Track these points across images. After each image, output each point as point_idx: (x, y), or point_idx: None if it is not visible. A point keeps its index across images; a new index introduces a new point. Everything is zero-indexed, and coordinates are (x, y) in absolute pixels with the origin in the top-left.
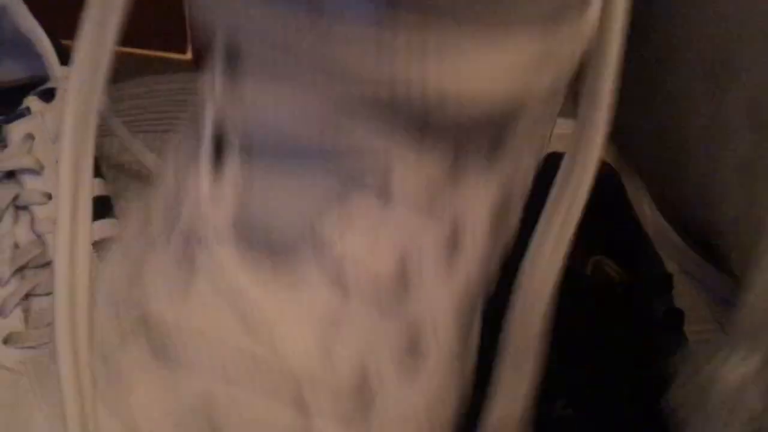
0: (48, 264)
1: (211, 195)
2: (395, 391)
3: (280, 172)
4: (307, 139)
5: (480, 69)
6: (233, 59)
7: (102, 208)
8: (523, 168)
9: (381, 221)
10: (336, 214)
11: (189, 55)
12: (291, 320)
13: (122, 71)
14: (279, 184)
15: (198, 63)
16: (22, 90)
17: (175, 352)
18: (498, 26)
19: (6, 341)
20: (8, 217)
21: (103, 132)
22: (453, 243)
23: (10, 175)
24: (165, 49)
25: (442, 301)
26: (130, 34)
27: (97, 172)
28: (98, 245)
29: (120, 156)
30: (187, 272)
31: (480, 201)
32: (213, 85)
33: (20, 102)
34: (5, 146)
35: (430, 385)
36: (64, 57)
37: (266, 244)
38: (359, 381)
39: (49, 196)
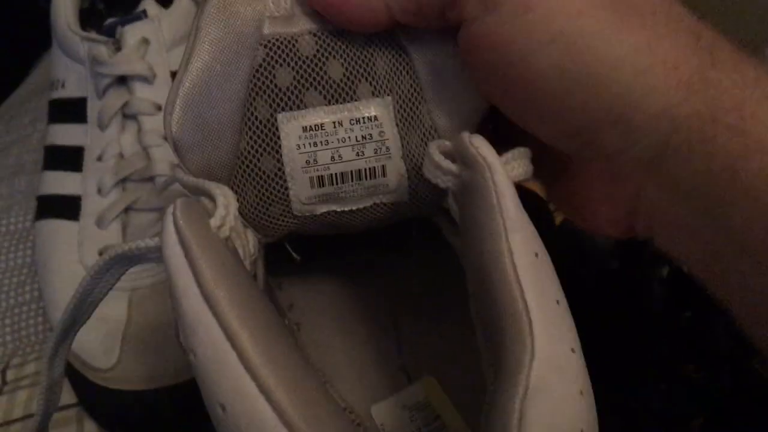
0: (151, 179)
1: None
2: None
3: None
4: None
5: None
6: None
7: None
8: None
9: None
10: None
11: None
12: None
13: None
14: None
15: None
16: None
17: None
18: None
19: (101, 253)
20: (115, 125)
21: None
22: None
23: (122, 80)
24: None
25: None
26: None
27: None
28: None
29: None
30: None
31: None
32: None
33: (137, 4)
34: (119, 49)
35: None
36: None
37: None
38: None
39: (159, 107)
